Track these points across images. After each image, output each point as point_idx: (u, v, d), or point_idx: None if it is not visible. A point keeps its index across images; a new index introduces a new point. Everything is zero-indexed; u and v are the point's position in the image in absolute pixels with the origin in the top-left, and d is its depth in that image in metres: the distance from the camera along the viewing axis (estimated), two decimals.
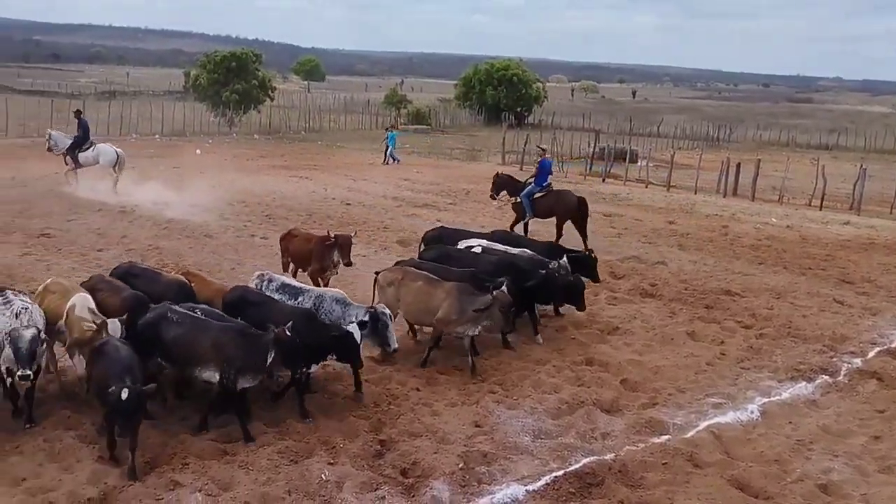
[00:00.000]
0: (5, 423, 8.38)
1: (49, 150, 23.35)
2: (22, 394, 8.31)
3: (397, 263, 12.23)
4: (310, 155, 35.85)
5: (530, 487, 7.77)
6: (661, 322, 12.98)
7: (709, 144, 51.53)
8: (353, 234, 13.44)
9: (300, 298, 10.32)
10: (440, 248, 13.17)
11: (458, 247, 13.26)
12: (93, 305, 8.83)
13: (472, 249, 13.06)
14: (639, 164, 34.61)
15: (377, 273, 11.50)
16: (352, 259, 13.03)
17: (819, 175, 27.08)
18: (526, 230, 18.72)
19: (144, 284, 10.00)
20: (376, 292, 11.26)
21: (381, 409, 9.34)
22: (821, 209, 26.57)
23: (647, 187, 30.25)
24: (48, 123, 34.77)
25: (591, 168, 33.78)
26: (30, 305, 8.67)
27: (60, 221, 18.23)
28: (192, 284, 10.32)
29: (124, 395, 7.06)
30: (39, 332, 8.03)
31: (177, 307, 8.89)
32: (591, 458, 8.35)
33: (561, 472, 8.01)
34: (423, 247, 14.13)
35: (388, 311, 10.01)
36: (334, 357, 9.20)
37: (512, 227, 18.74)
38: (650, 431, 9.03)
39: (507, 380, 10.28)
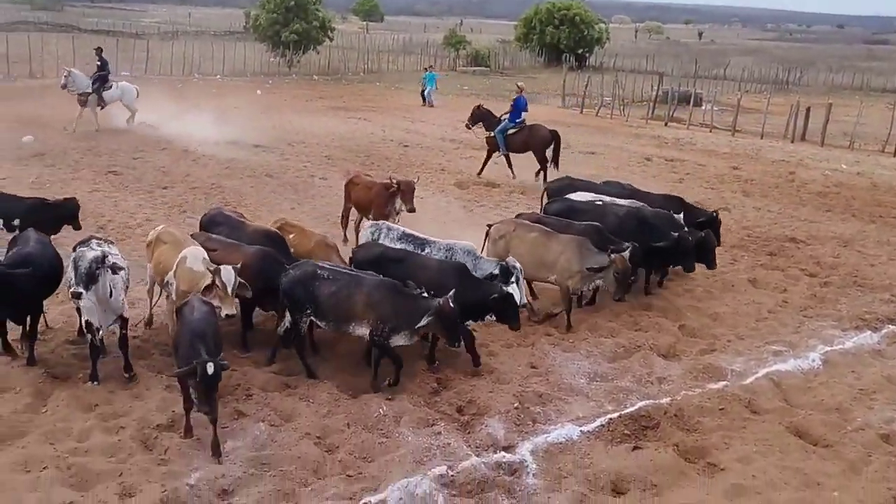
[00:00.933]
0: (85, 349, 8.73)
1: (64, 87, 22.07)
2: (101, 356, 8.26)
3: (518, 216, 11.60)
4: (368, 96, 35.78)
5: (585, 428, 7.83)
6: (721, 269, 12.76)
7: (777, 88, 49.73)
8: (415, 180, 13.09)
9: (427, 250, 9.85)
10: (565, 201, 12.33)
11: (578, 199, 12.35)
12: (206, 256, 8.61)
13: (596, 202, 12.17)
14: (703, 107, 33.72)
15: (489, 225, 11.05)
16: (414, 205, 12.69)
17: (894, 120, 25.99)
18: (510, 164, 19.12)
19: (229, 234, 9.72)
20: (487, 245, 10.86)
21: (437, 348, 9.46)
22: (895, 156, 25.58)
23: (711, 132, 29.48)
24: (114, 63, 35.34)
25: (653, 112, 33.01)
26: (115, 253, 8.44)
27: (127, 159, 18.64)
28: (291, 236, 9.95)
29: (210, 369, 6.65)
30: (105, 257, 7.92)
31: (324, 263, 8.67)
32: (647, 402, 8.35)
33: (616, 415, 8.05)
34: (545, 199, 13.31)
35: (518, 264, 9.52)
36: (492, 318, 8.90)
37: (485, 162, 19.26)
38: (708, 377, 8.97)
39: (563, 323, 10.28)
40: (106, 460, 6.83)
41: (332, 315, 8.30)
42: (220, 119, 24.04)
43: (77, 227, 11.45)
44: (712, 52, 73.73)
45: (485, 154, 19.47)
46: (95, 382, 8.06)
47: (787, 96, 39.22)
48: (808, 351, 9.83)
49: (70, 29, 55.78)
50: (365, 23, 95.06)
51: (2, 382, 7.98)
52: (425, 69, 37.64)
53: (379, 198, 12.74)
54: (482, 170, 19.24)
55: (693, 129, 29.82)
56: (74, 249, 8.41)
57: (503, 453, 7.32)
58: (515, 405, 8.15)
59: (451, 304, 8.00)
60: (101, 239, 8.84)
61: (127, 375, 8.20)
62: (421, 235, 10.27)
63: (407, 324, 8.09)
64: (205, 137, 21.50)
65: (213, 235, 9.65)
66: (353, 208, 13.49)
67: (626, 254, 9.95)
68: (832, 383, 9.03)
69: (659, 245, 10.87)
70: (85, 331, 8.20)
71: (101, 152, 19.13)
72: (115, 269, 7.95)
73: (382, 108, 31.15)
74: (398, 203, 12.60)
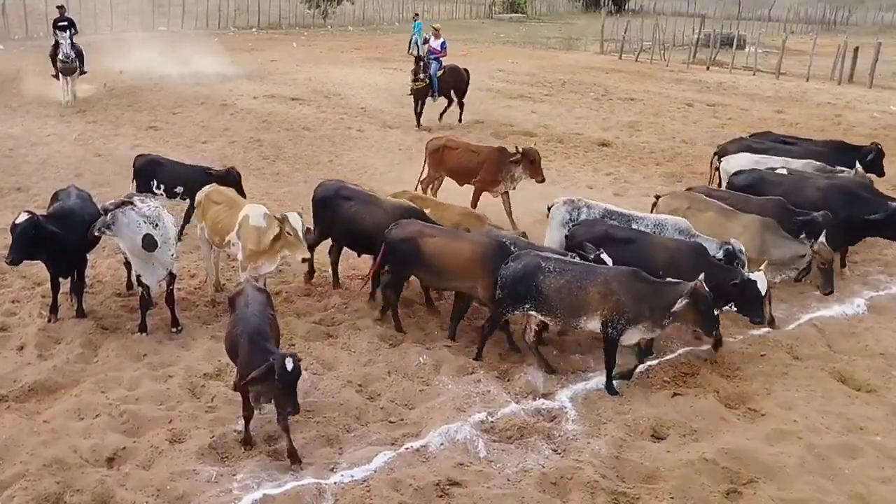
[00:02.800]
0: (133, 301, 8.96)
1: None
2: (149, 308, 8.40)
3: (688, 189, 10.45)
4: (403, 46, 35.32)
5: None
6: None
7: (824, 28, 48.21)
8: (533, 145, 11.91)
9: (635, 226, 8.77)
10: (753, 172, 10.74)
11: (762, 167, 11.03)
12: (267, 211, 8.45)
13: (777, 170, 10.88)
14: (747, 50, 32.82)
15: (657, 196, 9.96)
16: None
17: None
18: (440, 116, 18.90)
19: (361, 210, 9.07)
20: None
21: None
22: None
23: (754, 75, 28.73)
24: (150, 17, 35.47)
25: (694, 56, 32.23)
26: (161, 210, 8.34)
27: (166, 115, 18.79)
28: (427, 210, 9.20)
29: (289, 364, 5.97)
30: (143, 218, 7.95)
31: (549, 254, 7.94)
32: (687, 349, 8.34)
33: (656, 362, 8.05)
34: (719, 161, 11.93)
35: (742, 247, 8.39)
36: (733, 308, 7.91)
37: (420, 112, 18.62)
38: (749, 324, 8.89)
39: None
40: (156, 407, 7.05)
41: (561, 309, 7.56)
42: (256, 73, 24.05)
43: (242, 197, 10.46)
44: None
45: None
46: (144, 333, 8.26)
47: (835, 37, 37.96)
48: (853, 297, 9.70)
49: None
50: None
51: (55, 334, 8.24)
52: (414, 17, 36.75)
53: (491, 163, 11.59)
54: (419, 121, 18.58)
55: (736, 73, 29.09)
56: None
57: (542, 400, 7.39)
58: (555, 353, 8.19)
59: (706, 288, 7.11)
60: (144, 197, 8.71)
61: (174, 330, 8.37)
62: (624, 210, 9.17)
63: (650, 314, 7.34)
64: (242, 92, 21.57)
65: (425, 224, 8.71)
66: (443, 176, 12.30)
67: (822, 239, 8.58)
68: (877, 328, 8.92)
69: (872, 218, 9.63)
70: (136, 285, 8.41)
71: (141, 108, 19.29)
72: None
73: None
74: (517, 172, 11.47)
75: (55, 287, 8.56)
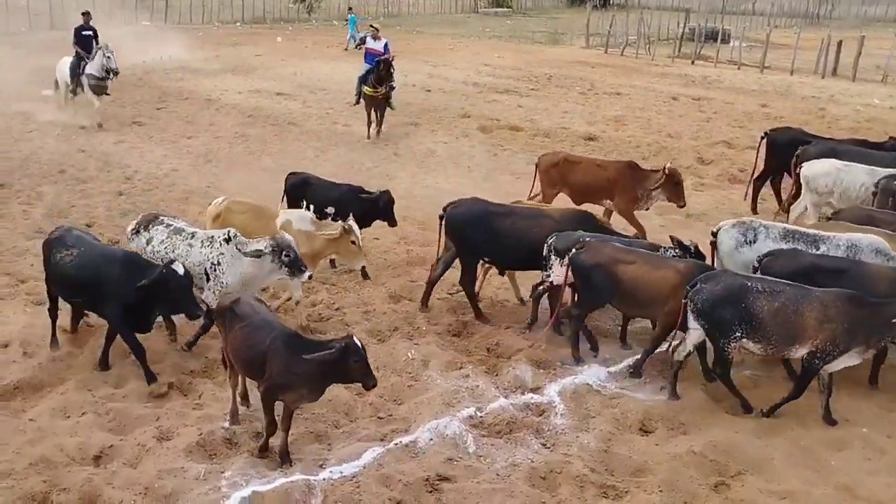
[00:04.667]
0: None
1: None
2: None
3: (835, 214, 9.45)
4: (389, 40, 35.34)
5: (612, 369, 7.89)
6: (748, 209, 12.61)
7: (808, 22, 48.36)
8: (667, 164, 10.81)
9: (823, 248, 7.98)
10: None
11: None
12: (312, 216, 8.39)
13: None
14: (731, 44, 32.86)
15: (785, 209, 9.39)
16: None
17: None
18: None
19: (523, 225, 8.56)
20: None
21: (462, 293, 9.50)
22: None
23: (739, 69, 28.83)
24: (133, 12, 35.17)
25: (679, 50, 32.30)
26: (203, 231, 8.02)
27: (150, 110, 18.67)
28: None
29: (358, 342, 5.96)
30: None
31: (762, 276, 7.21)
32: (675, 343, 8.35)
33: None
34: (799, 168, 10.78)
35: None
36: None
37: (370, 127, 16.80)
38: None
39: None
40: (143, 405, 7.01)
41: (774, 337, 6.85)
42: (240, 68, 23.92)
43: (393, 224, 10.11)
44: None
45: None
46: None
47: (818, 30, 38.15)
48: None
49: None
50: None
51: (40, 332, 8.16)
52: (349, 10, 36.56)
53: (624, 179, 10.59)
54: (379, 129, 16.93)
55: (721, 67, 29.20)
56: (138, 231, 8.04)
57: (531, 395, 7.40)
58: (543, 347, 8.20)
59: None
60: (170, 215, 8.51)
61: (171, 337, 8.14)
62: (809, 231, 8.31)
63: (864, 339, 6.76)
64: (227, 87, 21.44)
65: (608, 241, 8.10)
66: (557, 194, 11.18)
67: None
68: None
69: None
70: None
71: (124, 103, 19.13)
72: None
73: (403, 52, 30.64)
74: (655, 191, 10.48)
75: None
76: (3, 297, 8.95)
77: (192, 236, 7.79)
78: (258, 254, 7.45)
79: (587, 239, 7.99)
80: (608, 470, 6.42)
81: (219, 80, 22.49)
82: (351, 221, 8.36)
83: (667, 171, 10.31)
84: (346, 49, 30.97)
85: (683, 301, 7.09)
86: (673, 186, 10.40)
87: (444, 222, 8.82)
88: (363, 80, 16.60)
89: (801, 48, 28.78)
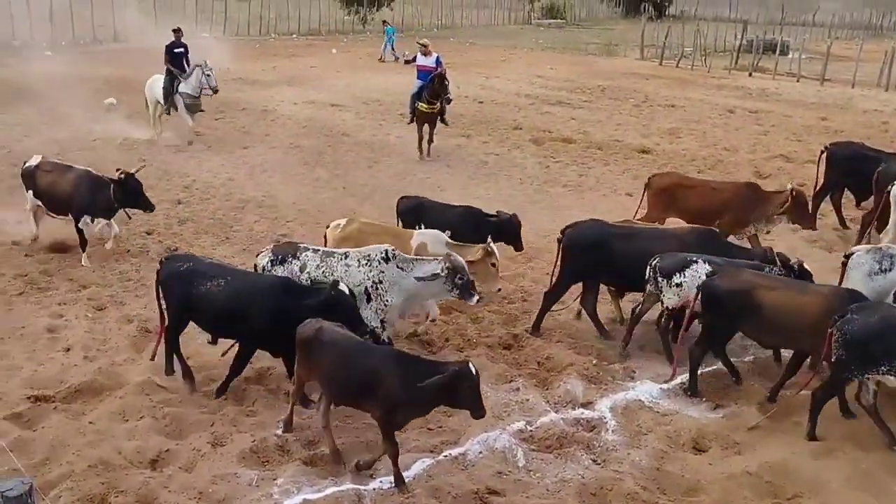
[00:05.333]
0: None
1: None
2: None
3: None
4: (442, 52, 35.50)
5: (665, 386, 7.78)
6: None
7: (871, 34, 47.24)
8: (792, 188, 10.07)
9: None
10: None
11: None
12: (448, 238, 8.28)
13: None
14: (790, 56, 32.29)
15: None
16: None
17: None
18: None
19: (644, 244, 8.31)
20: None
21: (514, 305, 9.48)
22: None
23: (798, 81, 28.30)
24: (192, 24, 35.99)
25: (736, 62, 31.82)
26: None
27: (208, 120, 19.04)
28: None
29: (473, 368, 5.89)
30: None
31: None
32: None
33: (698, 373, 7.94)
34: (892, 186, 10.20)
35: None
36: None
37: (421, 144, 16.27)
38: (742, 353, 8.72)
39: None
40: (198, 411, 7.14)
41: None
42: (296, 79, 24.29)
43: (519, 248, 9.78)
44: None
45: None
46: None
47: (881, 42, 37.28)
48: None
49: None
50: None
51: (101, 336, 8.38)
52: (384, 23, 36.74)
53: (740, 202, 10.08)
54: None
55: (779, 79, 28.69)
56: (283, 261, 7.62)
57: (582, 410, 7.34)
58: (594, 362, 8.13)
59: None
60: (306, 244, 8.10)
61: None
62: None
63: None
64: (283, 98, 21.80)
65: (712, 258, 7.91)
66: (666, 218, 10.58)
67: None
68: None
69: None
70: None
71: None
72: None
73: (456, 64, 30.84)
74: (777, 214, 9.91)
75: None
76: (66, 303, 9.22)
77: (346, 257, 7.56)
78: (434, 277, 7.33)
79: (695, 259, 7.80)
80: (660, 489, 6.33)
81: (275, 91, 22.89)
82: (491, 243, 8.16)
83: (793, 192, 9.76)
84: (381, 59, 31.27)
85: (830, 330, 6.64)
86: (800, 209, 9.88)
87: (562, 245, 8.67)
88: (416, 96, 16.12)
89: (863, 60, 28.13)
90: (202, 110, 17.16)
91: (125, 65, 25.86)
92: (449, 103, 16.44)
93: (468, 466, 6.47)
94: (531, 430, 6.97)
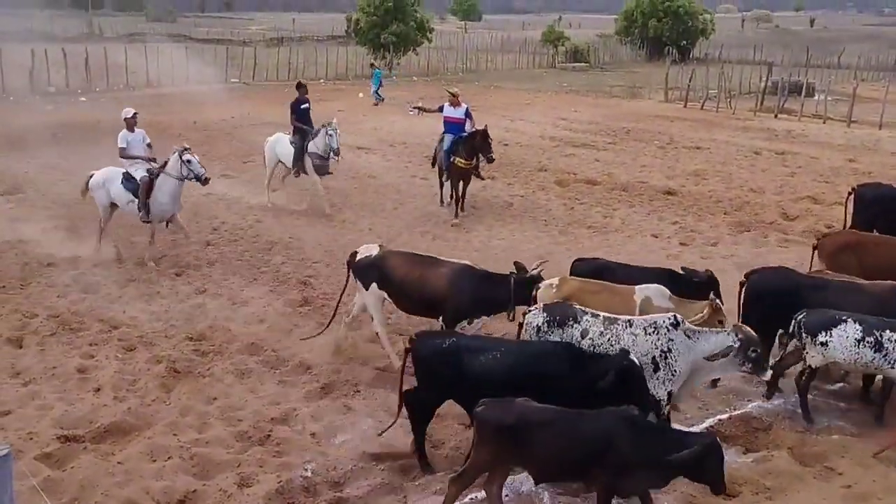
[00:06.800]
0: (204, 345, 9.16)
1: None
2: None
3: None
4: (467, 96, 35.66)
5: (694, 429, 7.69)
6: None
7: None
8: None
9: None
10: None
11: None
12: (669, 293, 7.78)
13: None
14: (816, 97, 32.29)
15: None
16: None
17: None
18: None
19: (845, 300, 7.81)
20: None
21: None
22: None
23: (824, 123, 28.24)
24: (223, 70, 36.82)
25: (762, 103, 31.85)
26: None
27: (237, 164, 19.41)
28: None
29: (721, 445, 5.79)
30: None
31: None
32: (758, 404, 8.13)
33: (726, 416, 7.87)
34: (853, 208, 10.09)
35: None
36: None
37: (455, 200, 15.40)
38: (825, 378, 8.63)
39: None
40: (225, 451, 7.17)
41: None
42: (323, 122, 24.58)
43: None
44: (825, 40, 70.51)
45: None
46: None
47: None
48: None
49: (183, 39, 58.28)
50: (463, 23, 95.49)
51: (130, 377, 8.48)
52: (371, 66, 37.15)
53: None
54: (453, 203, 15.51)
55: (805, 121, 28.65)
56: (562, 324, 7.04)
57: None
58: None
59: None
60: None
61: None
62: None
63: None
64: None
65: None
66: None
67: None
68: None
69: None
70: None
71: (213, 156, 19.90)
72: None
73: (481, 107, 31.15)
74: None
75: None
76: (96, 343, 9.34)
77: (631, 324, 6.98)
78: (728, 350, 6.68)
79: (844, 318, 7.44)
80: None
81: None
82: (716, 299, 7.61)
83: None
84: (375, 104, 31.53)
85: None
86: None
87: (745, 290, 8.32)
88: (450, 151, 15.05)
89: (890, 101, 28.04)
90: (330, 172, 15.70)
91: (158, 109, 26.44)
92: (491, 162, 15.31)
93: None
94: None
